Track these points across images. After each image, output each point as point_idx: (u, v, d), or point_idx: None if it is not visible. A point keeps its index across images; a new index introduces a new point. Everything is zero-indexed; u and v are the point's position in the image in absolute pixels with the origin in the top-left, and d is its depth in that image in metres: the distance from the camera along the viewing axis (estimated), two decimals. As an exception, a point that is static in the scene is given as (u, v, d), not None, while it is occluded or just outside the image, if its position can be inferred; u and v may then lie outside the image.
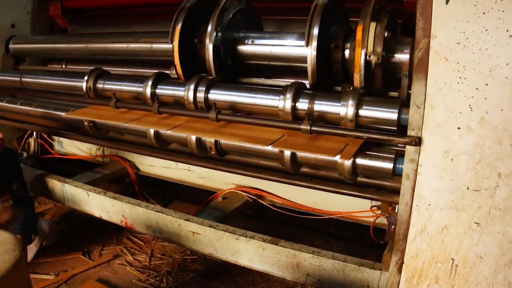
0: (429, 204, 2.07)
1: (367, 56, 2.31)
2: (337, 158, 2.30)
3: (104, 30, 4.17)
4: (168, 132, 2.75)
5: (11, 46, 4.19)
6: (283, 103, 2.41)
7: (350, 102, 2.23)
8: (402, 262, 2.22)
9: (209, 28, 2.74)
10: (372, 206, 2.93)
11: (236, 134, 2.47)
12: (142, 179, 4.25)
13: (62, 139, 4.44)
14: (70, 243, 3.62)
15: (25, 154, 4.40)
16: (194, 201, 4.09)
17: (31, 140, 4.42)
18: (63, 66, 4.25)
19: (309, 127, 2.28)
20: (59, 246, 3.54)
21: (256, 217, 3.97)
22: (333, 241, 3.69)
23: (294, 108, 2.40)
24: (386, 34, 2.34)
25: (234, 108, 2.64)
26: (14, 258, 2.02)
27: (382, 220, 2.89)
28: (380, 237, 2.90)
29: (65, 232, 3.84)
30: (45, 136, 4.45)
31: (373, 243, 3.05)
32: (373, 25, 2.31)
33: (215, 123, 2.58)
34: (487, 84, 1.84)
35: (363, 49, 2.31)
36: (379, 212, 2.90)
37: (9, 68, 4.29)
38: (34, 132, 4.40)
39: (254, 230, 2.78)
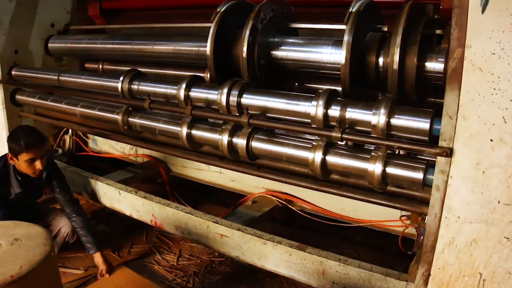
0: (459, 217, 2.04)
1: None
2: (367, 165, 2.31)
3: (141, 31, 4.26)
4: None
5: (50, 45, 4.35)
6: (315, 109, 2.41)
7: (382, 110, 2.21)
8: (429, 274, 2.18)
9: (244, 33, 2.77)
10: (401, 216, 2.89)
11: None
12: (174, 180, 4.32)
13: (96, 137, 4.55)
14: (100, 240, 3.70)
15: (60, 150, 4.54)
16: (225, 203, 4.13)
17: (67, 137, 4.56)
18: (100, 66, 4.36)
19: (340, 135, 2.28)
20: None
21: (285, 222, 3.98)
22: (361, 249, 3.66)
23: (325, 115, 2.40)
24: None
25: (267, 113, 2.66)
26: (45, 252, 2.07)
27: (412, 230, 2.86)
28: (408, 247, 2.86)
29: (96, 229, 3.94)
30: (80, 134, 4.57)
31: (401, 253, 3.01)
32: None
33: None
34: (522, 96, 1.80)
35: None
36: (408, 222, 2.87)
37: (48, 66, 4.44)
38: (70, 130, 4.53)
39: (282, 235, 2.79)
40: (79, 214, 3.38)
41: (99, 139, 4.56)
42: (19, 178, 3.16)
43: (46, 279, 2.12)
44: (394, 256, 3.32)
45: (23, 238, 2.18)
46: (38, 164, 3.02)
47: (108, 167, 4.45)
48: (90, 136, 4.62)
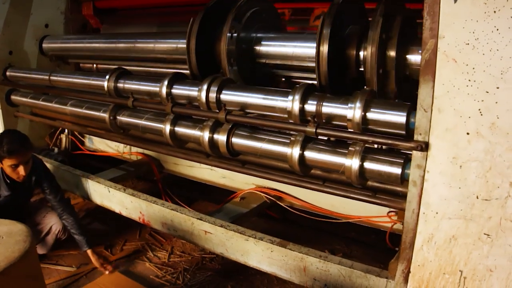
0: (437, 213, 1.98)
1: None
2: (345, 160, 2.26)
3: (135, 30, 4.25)
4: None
5: (44, 45, 4.37)
6: (291, 104, 2.36)
7: (358, 104, 2.16)
8: (409, 272, 2.14)
9: (224, 29, 2.74)
10: (389, 212, 2.84)
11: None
12: (170, 178, 4.31)
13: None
14: (94, 237, 3.72)
15: (56, 149, 4.56)
16: (218, 200, 4.10)
17: (63, 136, 4.58)
18: (94, 65, 4.37)
19: (314, 130, 2.24)
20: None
21: (279, 219, 3.94)
22: (354, 246, 3.61)
23: (302, 109, 2.36)
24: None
25: (246, 109, 2.63)
26: (24, 249, 2.10)
27: (400, 226, 2.81)
28: (398, 243, 2.81)
29: (90, 226, 3.97)
30: (76, 133, 4.59)
31: (393, 250, 2.97)
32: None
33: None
34: (498, 88, 1.73)
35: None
36: (395, 218, 2.81)
37: (43, 67, 4.47)
38: (66, 129, 4.55)
39: (275, 232, 2.77)
40: (70, 213, 3.38)
41: (95, 138, 4.57)
42: (8, 181, 3.18)
43: (25, 275, 2.15)
44: (387, 252, 3.25)
45: (4, 236, 2.21)
46: (21, 170, 3.02)
47: (105, 165, 4.45)
48: (87, 135, 4.63)
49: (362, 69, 2.50)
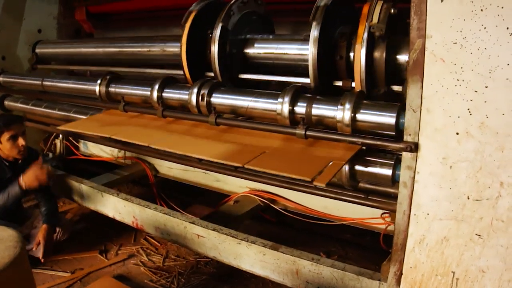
0: (428, 214, 1.97)
1: (371, 28, 2.21)
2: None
3: (129, 34, 4.24)
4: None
5: (37, 50, 4.36)
6: (281, 107, 2.35)
7: (347, 105, 2.15)
8: (401, 274, 2.12)
9: (214, 32, 2.73)
10: (382, 213, 2.82)
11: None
12: (165, 182, 4.29)
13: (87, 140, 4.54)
14: (89, 242, 3.71)
15: (50, 154, 4.54)
16: (213, 204, 4.09)
17: (57, 141, 4.56)
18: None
19: (303, 132, 2.23)
20: (78, 245, 3.64)
21: (274, 222, 3.92)
22: (349, 248, 3.59)
23: (291, 112, 2.35)
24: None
25: (236, 112, 2.62)
26: (14, 255, 2.08)
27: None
28: (391, 245, 2.80)
29: (85, 231, 3.95)
30: (71, 138, 4.57)
31: (388, 251, 2.95)
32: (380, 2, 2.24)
33: (216, 127, 2.57)
34: (486, 87, 1.72)
35: (367, 23, 2.23)
36: (389, 219, 2.79)
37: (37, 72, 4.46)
38: (60, 134, 4.54)
39: (270, 235, 2.74)
40: (48, 198, 3.46)
41: (90, 143, 4.54)
42: (7, 164, 3.25)
43: (16, 281, 2.13)
44: (382, 254, 3.23)
45: (-6, 241, 2.19)
46: (21, 141, 3.15)
47: (100, 170, 4.43)
48: (81, 139, 4.62)
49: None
